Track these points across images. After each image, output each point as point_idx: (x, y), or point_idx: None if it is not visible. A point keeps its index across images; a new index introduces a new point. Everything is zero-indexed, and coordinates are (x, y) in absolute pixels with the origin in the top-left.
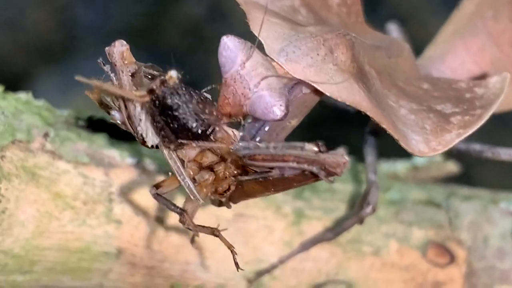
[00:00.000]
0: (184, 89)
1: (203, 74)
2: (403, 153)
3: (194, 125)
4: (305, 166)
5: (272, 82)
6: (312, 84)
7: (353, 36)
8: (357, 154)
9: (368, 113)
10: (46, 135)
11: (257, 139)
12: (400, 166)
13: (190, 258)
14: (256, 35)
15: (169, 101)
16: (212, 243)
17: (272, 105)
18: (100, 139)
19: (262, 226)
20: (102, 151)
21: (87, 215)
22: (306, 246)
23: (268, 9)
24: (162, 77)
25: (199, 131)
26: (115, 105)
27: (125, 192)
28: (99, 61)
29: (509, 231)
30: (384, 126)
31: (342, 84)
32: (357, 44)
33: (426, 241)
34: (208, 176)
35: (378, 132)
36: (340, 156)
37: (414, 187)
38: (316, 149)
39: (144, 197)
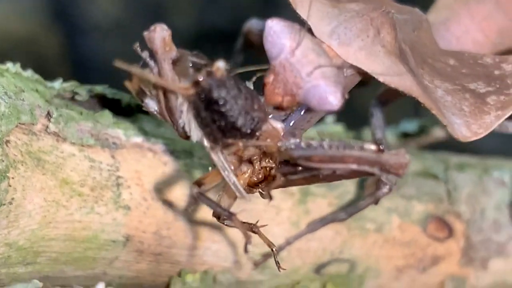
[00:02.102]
0: (232, 82)
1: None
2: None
3: (243, 123)
4: (367, 168)
5: (325, 69)
6: (366, 70)
7: (392, 12)
8: (361, 120)
9: (419, 100)
10: (48, 115)
11: (290, 125)
12: (389, 134)
13: (199, 243)
14: (301, 15)
15: (215, 95)
16: (220, 226)
17: (328, 95)
18: (104, 118)
19: (269, 205)
20: (107, 130)
21: (95, 202)
22: (316, 226)
23: None
24: (208, 68)
25: (248, 131)
26: (151, 93)
27: (133, 176)
28: (136, 47)
29: (504, 202)
30: (434, 112)
31: (393, 69)
32: (396, 21)
33: (426, 215)
34: (247, 169)
35: (385, 104)
36: (402, 156)
37: (412, 159)
38: (375, 148)
39: (152, 179)
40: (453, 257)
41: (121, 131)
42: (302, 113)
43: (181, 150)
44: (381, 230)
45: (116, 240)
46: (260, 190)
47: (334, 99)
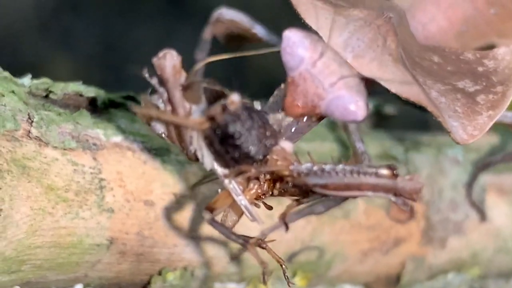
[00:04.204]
0: (245, 113)
1: None
2: None
3: (256, 151)
4: (382, 194)
5: (348, 80)
6: (380, 82)
7: (392, 17)
8: None
9: (427, 108)
10: (29, 119)
11: (292, 131)
12: None
13: (178, 241)
14: (311, 25)
15: (231, 130)
16: (198, 223)
17: (353, 105)
18: (83, 118)
19: None
20: (87, 131)
21: (80, 207)
22: (292, 219)
23: None
24: (223, 102)
25: (260, 157)
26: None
27: (115, 177)
28: (145, 74)
29: (459, 181)
30: (439, 119)
31: (402, 78)
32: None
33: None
34: (253, 185)
35: None
36: (417, 182)
37: (369, 140)
38: (389, 173)
39: (134, 180)
40: (414, 238)
41: (101, 131)
42: (304, 119)
43: (157, 147)
44: (348, 216)
45: (100, 244)
46: (264, 202)
47: (358, 109)
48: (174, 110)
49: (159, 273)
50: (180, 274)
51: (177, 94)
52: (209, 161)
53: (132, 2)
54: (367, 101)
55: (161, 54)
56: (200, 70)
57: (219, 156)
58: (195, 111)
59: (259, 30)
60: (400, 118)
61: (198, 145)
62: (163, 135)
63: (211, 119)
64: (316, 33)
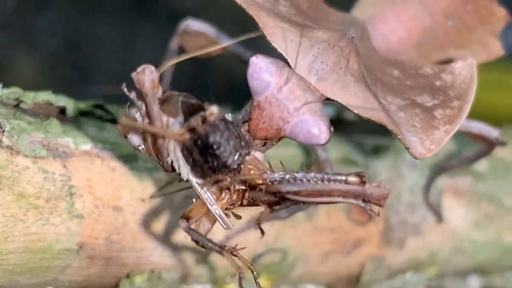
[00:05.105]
0: (223, 124)
1: None
2: None
3: (232, 160)
4: (352, 200)
5: (312, 105)
6: (342, 103)
7: (354, 37)
8: None
9: (387, 126)
10: (1, 128)
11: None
12: None
13: (146, 245)
14: (278, 47)
15: (211, 140)
16: (165, 228)
17: (316, 130)
18: (53, 127)
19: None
20: (57, 140)
21: (50, 214)
22: (254, 224)
23: (262, 5)
24: (202, 114)
25: (235, 166)
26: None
27: (84, 184)
28: (123, 87)
29: (417, 185)
30: (399, 136)
31: (363, 98)
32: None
33: None
34: (224, 195)
35: None
36: (384, 188)
37: (330, 145)
38: (358, 180)
39: (102, 186)
40: (373, 240)
41: (71, 140)
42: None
43: (126, 154)
44: (311, 219)
45: (70, 249)
46: (233, 211)
47: (321, 133)
48: (152, 123)
49: (127, 276)
50: (148, 277)
51: (155, 107)
52: (185, 171)
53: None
54: (330, 125)
55: (139, 69)
56: (168, 75)
57: (196, 167)
58: (172, 124)
59: (225, 41)
60: (359, 124)
61: (175, 157)
62: (140, 148)
63: (191, 130)
64: (282, 56)
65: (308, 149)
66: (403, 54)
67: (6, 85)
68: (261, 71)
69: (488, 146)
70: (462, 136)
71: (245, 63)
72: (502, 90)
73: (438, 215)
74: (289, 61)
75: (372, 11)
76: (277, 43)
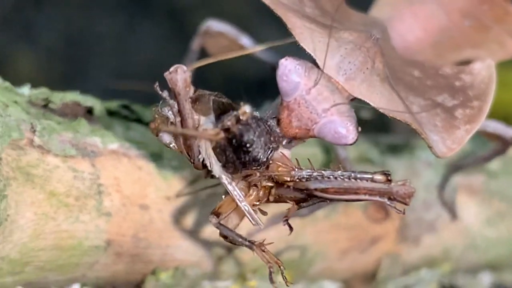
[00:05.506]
0: (255, 122)
1: None
2: None
3: (263, 154)
4: (377, 198)
5: (340, 107)
6: (369, 102)
7: (378, 38)
8: None
9: (411, 126)
10: (32, 128)
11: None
12: None
13: (171, 242)
14: (306, 48)
15: (245, 139)
16: (190, 225)
17: (344, 130)
18: (82, 126)
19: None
20: (85, 139)
21: (80, 211)
22: (277, 220)
23: (288, 6)
24: (235, 113)
25: (265, 159)
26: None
27: (112, 182)
28: (156, 87)
29: (432, 183)
30: (422, 136)
31: (388, 98)
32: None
33: None
34: (252, 191)
35: None
36: (409, 186)
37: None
38: (384, 178)
39: (130, 185)
40: (389, 237)
41: (99, 139)
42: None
43: (152, 153)
44: (329, 217)
45: (98, 246)
46: (260, 208)
47: (349, 133)
48: (184, 121)
49: (153, 273)
50: (172, 273)
51: (187, 106)
52: (217, 168)
53: None
54: (357, 125)
55: (172, 68)
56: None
57: (227, 163)
58: (204, 122)
59: (245, 41)
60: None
61: (207, 154)
62: (171, 145)
63: (226, 130)
64: (310, 56)
65: (327, 148)
66: (421, 54)
67: (5, 80)
68: (290, 73)
69: (503, 145)
70: (476, 135)
71: (268, 64)
72: None
73: (453, 213)
74: (317, 61)
75: (390, 11)
76: (305, 44)
